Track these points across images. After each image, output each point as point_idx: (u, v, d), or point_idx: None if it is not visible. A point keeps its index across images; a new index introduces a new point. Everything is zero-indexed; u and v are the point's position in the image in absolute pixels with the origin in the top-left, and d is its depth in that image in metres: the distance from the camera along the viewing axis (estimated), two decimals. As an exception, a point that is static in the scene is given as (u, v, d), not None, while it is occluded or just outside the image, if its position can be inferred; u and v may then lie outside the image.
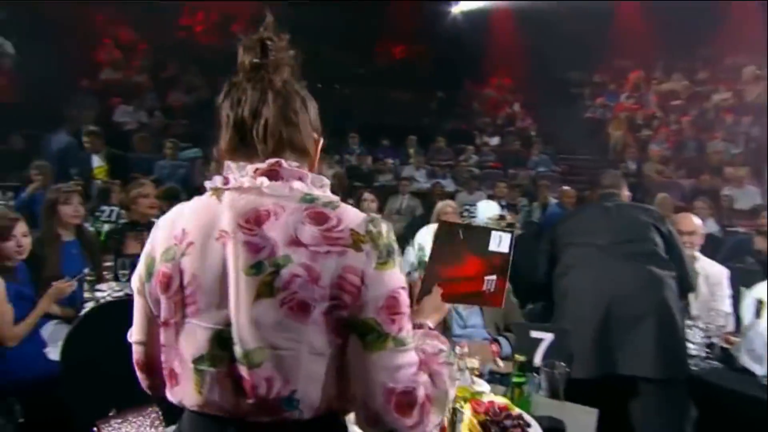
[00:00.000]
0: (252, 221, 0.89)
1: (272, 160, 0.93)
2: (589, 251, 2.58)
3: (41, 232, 3.02)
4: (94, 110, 7.82)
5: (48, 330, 2.78)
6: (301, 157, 0.97)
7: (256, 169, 0.92)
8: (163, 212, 1.03)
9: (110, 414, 2.02)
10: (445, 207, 4.64)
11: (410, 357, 0.90)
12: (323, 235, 0.87)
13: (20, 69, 8.05)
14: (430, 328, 1.10)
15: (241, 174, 0.93)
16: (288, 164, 0.93)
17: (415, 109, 11.87)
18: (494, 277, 1.26)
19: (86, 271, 2.96)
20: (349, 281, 0.86)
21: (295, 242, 0.86)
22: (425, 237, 2.72)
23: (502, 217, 5.82)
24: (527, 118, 11.64)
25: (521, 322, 2.41)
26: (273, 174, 0.92)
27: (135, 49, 10.07)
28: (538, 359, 1.92)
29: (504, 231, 1.27)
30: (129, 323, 1.08)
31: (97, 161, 5.92)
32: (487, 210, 6.03)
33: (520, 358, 1.77)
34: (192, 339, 0.91)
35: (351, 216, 0.90)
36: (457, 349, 1.82)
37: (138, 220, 3.53)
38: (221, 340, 0.89)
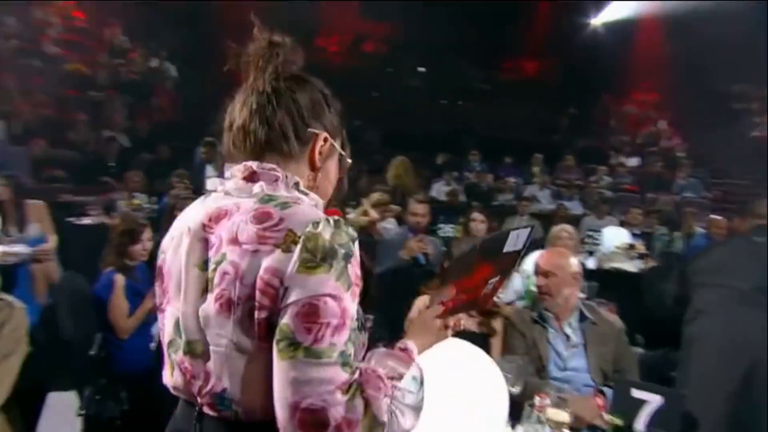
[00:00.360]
0: (213, 220, 0.93)
1: (247, 164, 0.96)
2: (724, 295, 2.14)
3: (161, 236, 3.28)
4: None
5: (157, 327, 3.00)
6: (282, 156, 0.98)
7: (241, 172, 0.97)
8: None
9: None
10: (560, 232, 4.24)
11: (326, 372, 0.82)
12: (258, 234, 0.87)
13: (179, 90, 9.10)
14: (401, 349, 1.00)
15: (227, 177, 0.98)
16: (260, 166, 0.95)
17: (542, 125, 11.31)
18: (497, 278, 1.17)
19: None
20: (267, 282, 0.84)
21: (234, 241, 0.88)
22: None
23: (631, 246, 5.23)
24: (675, 137, 10.46)
25: (625, 379, 2.03)
26: (250, 176, 0.96)
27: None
28: (640, 425, 1.58)
29: (522, 228, 1.15)
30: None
31: (210, 170, 6.36)
32: (614, 237, 5.45)
33: (615, 420, 1.47)
34: (166, 325, 0.98)
35: (297, 216, 0.88)
36: (536, 400, 1.57)
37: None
38: (179, 327, 0.94)
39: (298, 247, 0.84)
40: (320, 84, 1.04)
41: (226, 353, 0.88)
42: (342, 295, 0.84)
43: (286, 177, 0.96)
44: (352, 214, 4.70)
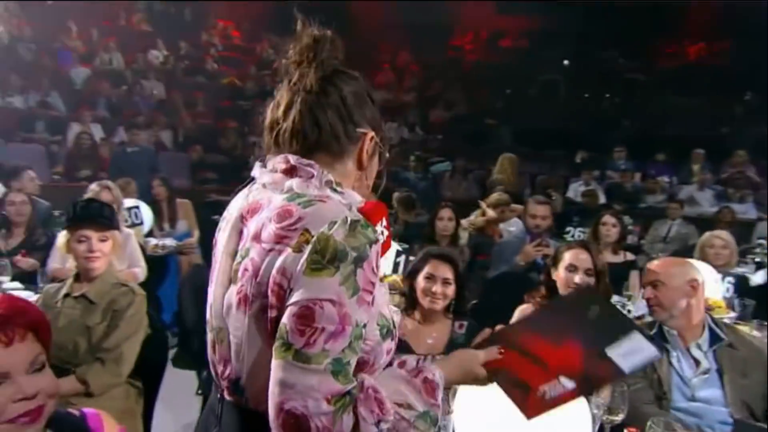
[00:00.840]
0: (249, 212, 0.95)
1: (287, 156, 0.94)
2: None
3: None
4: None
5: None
6: (332, 156, 0.97)
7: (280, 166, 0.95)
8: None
9: None
10: (711, 239, 3.65)
11: (312, 379, 0.80)
12: (276, 232, 0.86)
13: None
14: (426, 379, 0.92)
15: (269, 168, 0.97)
16: (298, 161, 0.93)
17: (706, 117, 9.87)
18: (571, 386, 0.95)
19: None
20: (277, 282, 0.84)
21: (257, 237, 0.89)
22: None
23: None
24: None
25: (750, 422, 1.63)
26: (288, 171, 0.94)
27: (407, 70, 11.04)
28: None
29: (648, 339, 0.92)
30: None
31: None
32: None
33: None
34: (207, 304, 1.01)
35: (316, 215, 0.86)
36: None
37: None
38: (212, 310, 0.98)
39: (309, 247, 0.83)
40: (361, 78, 1.03)
41: (241, 344, 0.90)
42: (344, 300, 0.81)
43: (323, 173, 0.93)
44: (471, 216, 4.54)
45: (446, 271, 2.19)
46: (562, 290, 2.22)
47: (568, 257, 2.25)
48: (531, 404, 0.98)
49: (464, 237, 4.16)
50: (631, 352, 0.93)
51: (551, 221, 4.00)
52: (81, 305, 2.01)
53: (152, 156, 6.35)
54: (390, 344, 0.95)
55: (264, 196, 0.95)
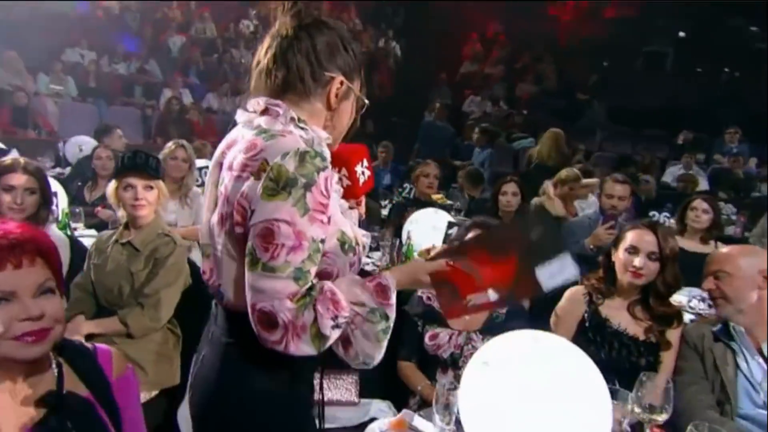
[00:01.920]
0: (227, 147, 1.09)
1: (259, 100, 1.07)
2: None
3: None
4: (448, 100, 8.61)
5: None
6: (298, 95, 1.08)
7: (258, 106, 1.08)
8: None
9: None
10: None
11: (277, 284, 0.95)
12: (243, 162, 1.00)
13: (399, 68, 9.56)
14: (380, 284, 1.05)
15: (248, 110, 1.09)
16: (268, 102, 1.06)
17: None
18: (494, 297, 1.08)
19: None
20: (240, 204, 0.99)
21: (230, 167, 1.03)
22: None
23: None
24: None
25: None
26: (261, 111, 1.06)
27: (496, 41, 10.56)
28: None
29: (576, 263, 1.11)
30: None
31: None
32: None
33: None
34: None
35: (274, 147, 0.98)
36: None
37: (419, 198, 3.64)
38: (204, 233, 1.13)
39: (268, 175, 0.95)
40: (341, 28, 1.12)
41: (220, 257, 1.06)
42: (296, 220, 0.95)
43: (288, 111, 1.05)
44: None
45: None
46: (620, 273, 1.99)
47: (630, 237, 2.00)
48: (453, 308, 1.14)
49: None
50: (557, 273, 1.06)
51: (629, 203, 3.63)
52: (127, 251, 2.10)
53: None
54: (353, 258, 1.09)
55: (240, 133, 1.08)
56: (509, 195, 3.50)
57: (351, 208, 1.22)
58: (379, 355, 1.05)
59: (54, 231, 2.25)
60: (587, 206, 4.21)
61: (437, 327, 2.07)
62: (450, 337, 2.03)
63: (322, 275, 1.04)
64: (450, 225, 2.96)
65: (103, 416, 1.08)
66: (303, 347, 0.97)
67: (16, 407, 1.00)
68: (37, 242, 1.01)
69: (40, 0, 7.07)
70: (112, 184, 2.12)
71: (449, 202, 4.46)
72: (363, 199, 1.29)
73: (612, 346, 1.96)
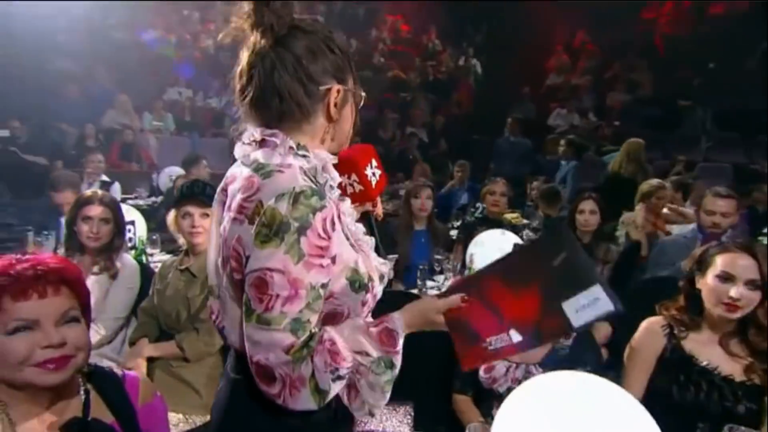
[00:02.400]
0: (227, 185, 1.04)
1: (254, 132, 1.00)
2: None
3: (398, 220, 3.40)
4: (531, 115, 8.30)
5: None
6: (296, 119, 1.00)
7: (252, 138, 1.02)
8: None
9: None
10: None
11: (273, 337, 0.91)
12: (240, 203, 0.94)
13: (479, 85, 9.39)
14: (388, 329, 0.99)
15: (244, 142, 1.03)
16: (263, 133, 1.00)
17: None
18: (517, 339, 0.95)
19: (424, 262, 3.10)
20: (236, 249, 0.95)
21: (229, 207, 0.98)
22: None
23: None
24: None
25: None
26: (257, 143, 1.01)
27: (583, 50, 10.05)
28: None
29: (606, 292, 0.87)
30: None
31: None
32: None
33: None
34: None
35: (271, 187, 0.92)
36: None
37: (488, 216, 3.48)
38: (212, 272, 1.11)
39: (261, 219, 0.90)
40: (319, 27, 1.01)
41: (224, 299, 1.03)
42: (290, 268, 0.89)
43: (286, 140, 0.98)
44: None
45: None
46: (709, 304, 1.71)
47: (720, 262, 1.70)
48: (471, 354, 1.01)
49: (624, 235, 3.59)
50: (586, 306, 0.90)
51: (735, 219, 3.20)
52: (185, 277, 2.18)
53: None
54: (365, 297, 1.01)
55: (236, 169, 1.03)
56: (587, 213, 3.23)
57: (367, 212, 1.22)
58: (383, 403, 1.01)
59: (125, 258, 2.39)
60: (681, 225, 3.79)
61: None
62: (507, 370, 1.88)
63: (332, 316, 0.99)
64: (516, 246, 2.77)
65: None
66: (302, 402, 0.92)
67: (42, 431, 1.03)
68: (63, 273, 1.05)
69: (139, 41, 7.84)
70: (172, 213, 2.22)
71: (525, 221, 4.24)
72: (378, 200, 1.25)
73: (700, 387, 1.69)
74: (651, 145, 7.18)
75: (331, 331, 0.96)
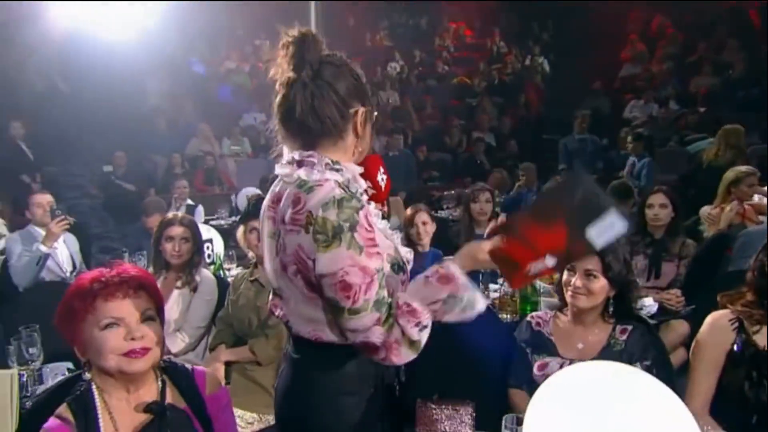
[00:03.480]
0: (274, 202, 1.20)
1: (293, 155, 1.18)
2: None
3: (459, 225, 3.43)
4: (605, 109, 7.96)
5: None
6: (333, 139, 1.18)
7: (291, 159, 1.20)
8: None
9: (433, 397, 2.16)
10: None
11: (364, 320, 1.10)
12: (292, 216, 1.11)
13: (547, 84, 9.14)
14: (445, 276, 1.16)
15: (285, 161, 1.21)
16: (301, 155, 1.17)
17: None
18: (552, 262, 1.12)
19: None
20: (300, 256, 1.12)
21: (282, 221, 1.15)
22: None
23: None
24: None
25: None
26: (297, 162, 1.17)
27: (662, 36, 9.48)
28: None
29: (620, 215, 1.08)
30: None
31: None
32: None
33: None
34: None
35: (315, 199, 1.09)
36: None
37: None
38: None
39: (314, 227, 1.08)
40: (341, 59, 1.21)
41: (286, 296, 1.22)
42: (357, 259, 1.08)
43: (322, 158, 1.16)
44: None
45: (590, 261, 1.83)
46: None
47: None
48: (517, 279, 1.20)
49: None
50: (605, 230, 1.08)
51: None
52: (255, 288, 2.36)
53: (410, 159, 7.08)
54: (402, 276, 1.22)
55: (281, 188, 1.20)
56: (656, 207, 3.09)
57: (383, 218, 1.34)
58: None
59: (204, 272, 2.62)
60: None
61: (546, 356, 1.92)
62: (560, 367, 1.86)
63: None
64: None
65: (198, 427, 1.27)
66: (404, 356, 1.14)
67: (130, 412, 1.21)
68: (140, 279, 1.24)
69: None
70: (240, 228, 2.42)
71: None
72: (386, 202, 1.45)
73: (777, 385, 1.60)
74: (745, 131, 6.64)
75: (402, 296, 1.15)
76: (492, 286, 3.01)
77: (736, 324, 1.70)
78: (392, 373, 1.32)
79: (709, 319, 1.78)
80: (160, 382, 1.26)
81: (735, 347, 1.68)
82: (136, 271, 1.25)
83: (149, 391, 1.24)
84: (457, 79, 9.48)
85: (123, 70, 7.67)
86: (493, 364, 2.12)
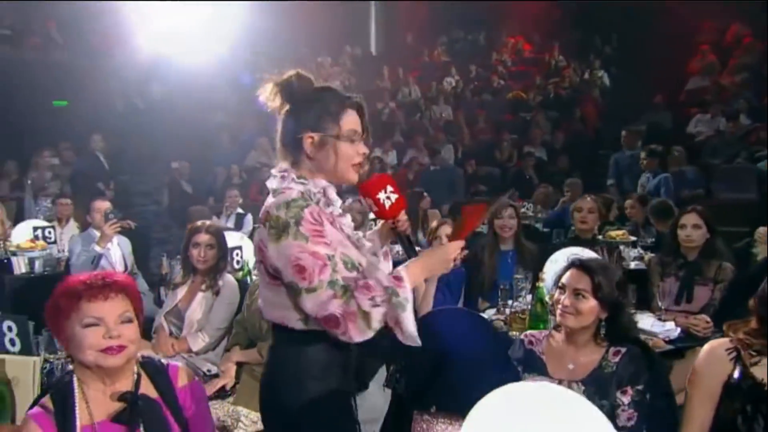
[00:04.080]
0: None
1: (273, 170, 1.47)
2: None
3: (484, 240, 3.42)
4: (666, 124, 7.59)
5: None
6: (296, 161, 1.45)
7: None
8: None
9: (430, 409, 2.20)
10: None
11: (321, 297, 1.30)
12: (261, 215, 1.39)
13: (606, 98, 8.84)
14: (395, 277, 1.36)
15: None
16: (277, 170, 1.45)
17: None
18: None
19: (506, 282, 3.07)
20: (261, 247, 1.37)
21: (259, 220, 1.42)
22: None
23: None
24: None
25: None
26: (280, 177, 1.45)
27: (739, 44, 8.89)
28: None
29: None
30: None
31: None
32: None
33: None
34: None
35: (275, 202, 1.36)
36: None
37: (578, 236, 3.34)
38: None
39: (269, 223, 1.33)
40: (311, 92, 1.45)
41: (260, 286, 1.46)
42: (305, 246, 1.30)
43: (289, 173, 1.43)
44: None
45: (579, 281, 1.81)
46: None
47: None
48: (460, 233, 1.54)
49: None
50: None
51: None
52: (267, 294, 2.50)
53: (453, 173, 7.15)
54: (356, 275, 1.38)
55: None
56: (689, 228, 2.95)
57: (395, 226, 1.55)
58: (407, 329, 1.33)
59: (227, 277, 2.80)
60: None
61: (537, 375, 1.91)
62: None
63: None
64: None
65: (167, 414, 1.39)
66: (360, 330, 1.30)
67: (106, 401, 1.35)
68: (121, 284, 1.38)
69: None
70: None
71: (632, 238, 3.95)
72: (403, 216, 1.56)
73: (770, 419, 1.51)
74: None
75: (362, 278, 1.36)
76: (511, 302, 2.99)
77: (734, 354, 1.62)
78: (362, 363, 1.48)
79: (706, 347, 1.70)
80: (135, 375, 1.39)
81: (732, 378, 1.60)
82: (120, 277, 1.40)
83: (125, 384, 1.37)
84: (512, 94, 9.36)
85: (194, 90, 8.26)
86: (489, 380, 2.13)
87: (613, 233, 3.83)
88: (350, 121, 1.45)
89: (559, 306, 1.85)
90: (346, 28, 11.84)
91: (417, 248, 1.60)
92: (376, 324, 1.31)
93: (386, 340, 2.99)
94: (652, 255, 3.49)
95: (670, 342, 2.54)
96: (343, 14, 11.21)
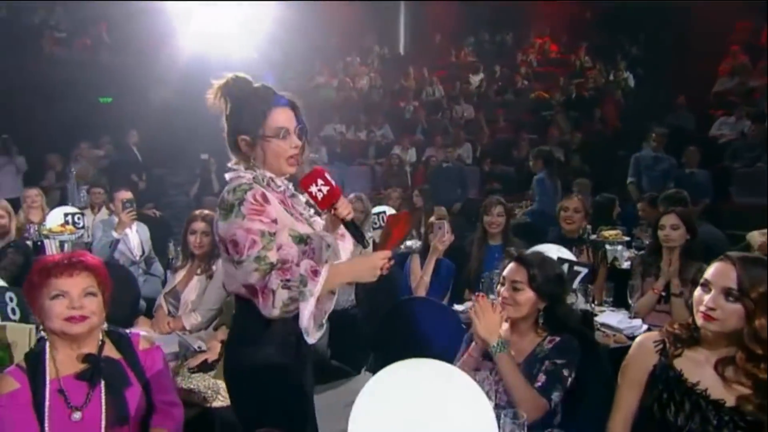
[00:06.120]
0: None
1: (231, 163, 1.66)
2: None
3: (474, 234, 3.54)
4: (689, 126, 7.43)
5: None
6: (243, 157, 1.64)
7: None
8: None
9: None
10: None
11: (248, 268, 1.48)
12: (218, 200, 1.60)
13: (629, 99, 8.70)
14: (316, 269, 1.51)
15: None
16: (234, 162, 1.64)
17: None
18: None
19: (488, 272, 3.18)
20: (215, 226, 1.58)
21: None
22: None
23: None
24: None
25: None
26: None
27: (773, 45, 8.60)
28: None
29: None
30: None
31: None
32: None
33: None
34: None
35: (227, 187, 1.56)
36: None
37: (564, 235, 3.40)
38: None
39: (220, 205, 1.55)
40: (246, 97, 1.61)
41: (221, 261, 1.71)
42: (241, 223, 1.49)
43: (240, 165, 1.63)
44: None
45: (516, 274, 1.93)
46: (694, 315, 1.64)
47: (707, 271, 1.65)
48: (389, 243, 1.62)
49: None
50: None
51: None
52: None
53: (463, 171, 7.24)
54: (305, 248, 1.59)
55: None
56: (667, 229, 2.99)
57: (335, 215, 1.66)
58: (307, 323, 1.50)
59: (220, 262, 3.02)
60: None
61: (489, 361, 2.01)
62: (490, 372, 1.95)
63: (283, 261, 1.53)
64: (561, 261, 2.72)
65: (128, 371, 1.59)
66: (269, 305, 1.46)
67: (72, 362, 1.56)
68: (87, 263, 1.57)
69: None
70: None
71: (626, 238, 3.98)
72: (342, 204, 1.65)
73: (681, 407, 1.58)
74: None
75: (288, 263, 1.53)
76: (492, 295, 3.09)
77: (660, 346, 1.70)
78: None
79: (637, 339, 1.79)
80: (99, 342, 1.60)
81: (656, 369, 1.68)
82: (88, 257, 1.60)
83: (90, 348, 1.58)
84: (535, 94, 9.33)
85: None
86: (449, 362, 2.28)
87: (606, 233, 3.88)
88: (278, 119, 1.59)
89: (500, 297, 1.97)
90: (376, 29, 12.02)
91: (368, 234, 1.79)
92: (280, 304, 1.46)
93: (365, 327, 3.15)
94: (637, 254, 3.53)
95: (633, 338, 2.59)
96: (373, 15, 11.40)
